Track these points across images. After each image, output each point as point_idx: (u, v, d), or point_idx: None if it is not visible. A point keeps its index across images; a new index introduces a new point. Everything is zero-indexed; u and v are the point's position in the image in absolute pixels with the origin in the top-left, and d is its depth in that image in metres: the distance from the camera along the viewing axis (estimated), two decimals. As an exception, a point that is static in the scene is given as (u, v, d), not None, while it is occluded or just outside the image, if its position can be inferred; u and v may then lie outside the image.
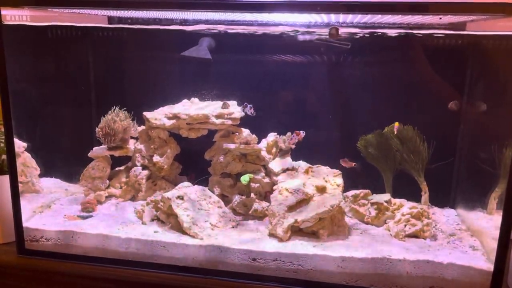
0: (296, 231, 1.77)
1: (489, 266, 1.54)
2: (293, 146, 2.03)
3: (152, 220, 1.89)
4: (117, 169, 2.19)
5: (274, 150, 2.08)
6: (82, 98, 2.31)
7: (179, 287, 1.63)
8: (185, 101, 2.16)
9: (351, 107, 2.18)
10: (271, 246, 1.68)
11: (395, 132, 1.95)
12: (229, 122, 2.04)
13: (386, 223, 1.90)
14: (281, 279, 1.63)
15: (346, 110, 2.19)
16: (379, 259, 1.59)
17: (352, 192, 2.02)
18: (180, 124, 2.06)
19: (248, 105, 1.98)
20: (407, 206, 1.89)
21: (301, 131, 1.99)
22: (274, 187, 1.89)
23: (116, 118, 2.05)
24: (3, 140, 1.83)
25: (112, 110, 2.08)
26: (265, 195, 2.00)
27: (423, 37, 1.93)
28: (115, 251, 1.73)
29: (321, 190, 1.81)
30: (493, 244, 1.52)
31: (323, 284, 1.61)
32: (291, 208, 1.78)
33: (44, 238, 1.78)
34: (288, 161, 2.01)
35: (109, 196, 2.10)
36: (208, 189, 1.98)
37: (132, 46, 2.31)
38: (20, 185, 1.76)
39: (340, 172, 1.89)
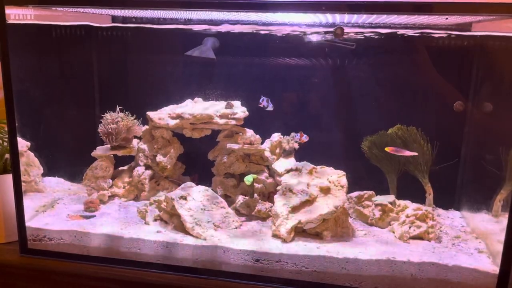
0: (300, 232, 1.76)
1: (495, 269, 1.53)
2: (297, 146, 2.02)
3: (155, 220, 1.88)
4: (120, 168, 2.19)
5: (277, 150, 2.07)
6: (86, 97, 2.31)
7: (182, 287, 1.63)
8: (188, 101, 2.15)
9: (355, 108, 2.17)
10: (274, 247, 1.67)
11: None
12: (233, 122, 2.03)
13: (390, 225, 1.89)
14: (284, 281, 1.62)
15: (350, 111, 2.18)
16: (383, 261, 1.58)
17: (356, 193, 2.01)
18: (184, 124, 2.05)
19: (265, 99, 1.95)
20: (411, 208, 1.88)
21: (304, 136, 1.98)
22: (278, 188, 1.89)
23: (115, 117, 2.04)
24: (6, 139, 1.83)
25: (110, 112, 2.07)
26: (269, 196, 1.99)
27: (428, 37, 1.92)
28: (118, 251, 1.73)
29: (325, 191, 1.80)
30: (499, 247, 1.51)
31: (326, 286, 1.60)
32: (295, 209, 1.77)
33: (46, 238, 1.78)
34: (292, 161, 2.00)
35: (112, 196, 2.10)
36: (211, 189, 1.97)
37: (136, 46, 2.30)
38: (23, 184, 1.76)
39: (344, 173, 1.88)
